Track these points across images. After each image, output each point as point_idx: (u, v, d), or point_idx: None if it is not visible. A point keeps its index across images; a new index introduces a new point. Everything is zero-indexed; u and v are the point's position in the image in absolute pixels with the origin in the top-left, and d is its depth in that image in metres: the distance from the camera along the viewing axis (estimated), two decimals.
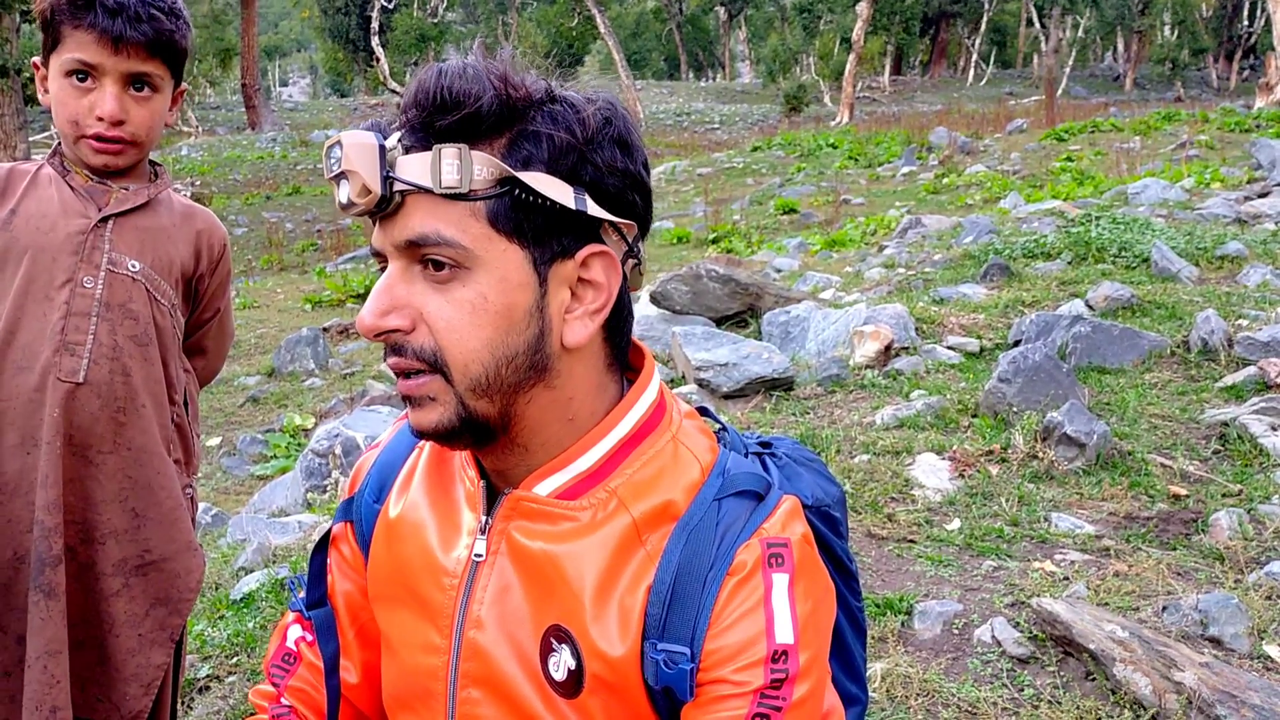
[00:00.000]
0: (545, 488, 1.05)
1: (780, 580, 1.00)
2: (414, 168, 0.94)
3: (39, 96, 1.80)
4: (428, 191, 0.94)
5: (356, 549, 1.23)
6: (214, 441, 7.31)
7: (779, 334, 5.53)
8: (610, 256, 1.00)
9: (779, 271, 9.40)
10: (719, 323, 5.82)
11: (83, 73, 1.73)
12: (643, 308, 5.97)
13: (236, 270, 15.58)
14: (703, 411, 1.21)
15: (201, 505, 5.33)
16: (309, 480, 5.28)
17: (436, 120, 0.94)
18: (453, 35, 48.64)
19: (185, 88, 1.87)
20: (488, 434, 1.03)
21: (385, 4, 48.39)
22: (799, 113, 35.24)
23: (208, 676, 2.92)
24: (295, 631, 1.25)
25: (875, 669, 2.61)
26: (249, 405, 8.18)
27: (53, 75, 1.76)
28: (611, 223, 0.99)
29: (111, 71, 1.72)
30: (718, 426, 1.21)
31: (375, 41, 39.78)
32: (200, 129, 34.91)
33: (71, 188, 1.81)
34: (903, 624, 2.86)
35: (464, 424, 1.01)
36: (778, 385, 4.71)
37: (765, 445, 1.28)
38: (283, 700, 1.24)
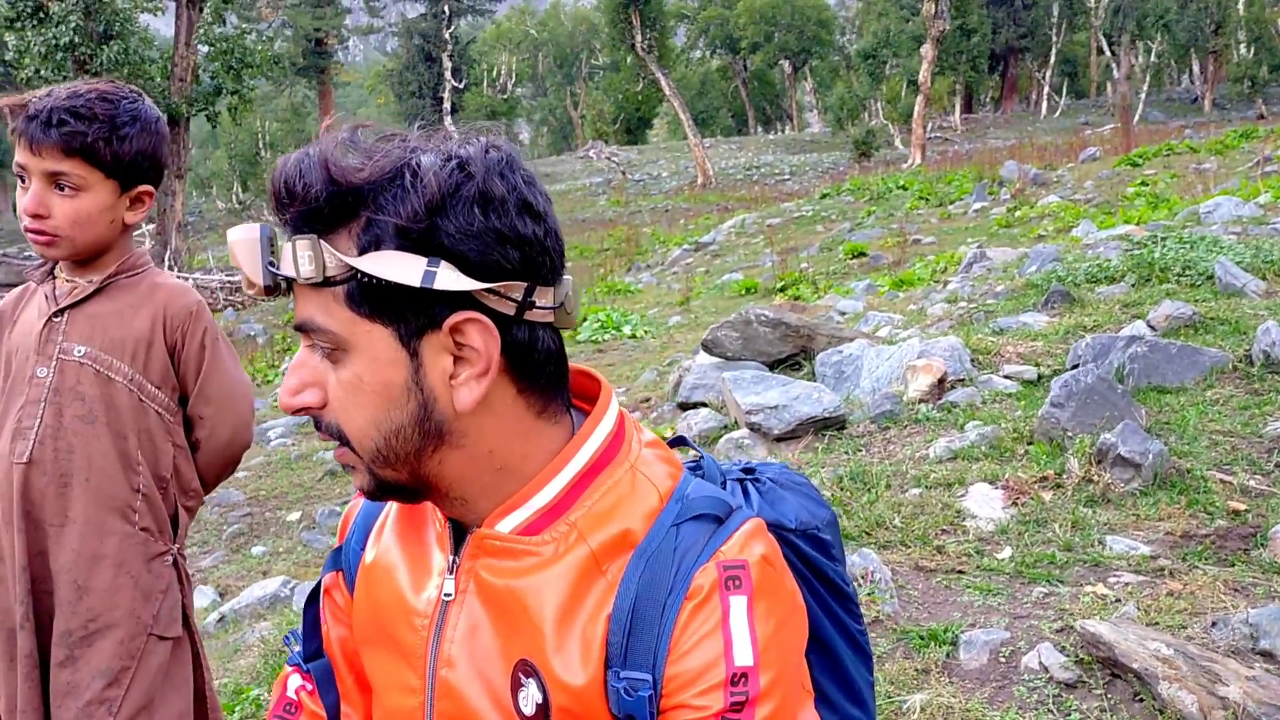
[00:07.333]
0: (507, 524, 1.05)
1: (738, 602, 0.99)
2: (286, 258, 0.98)
3: None
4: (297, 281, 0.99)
5: (347, 595, 1.24)
6: (294, 516, 7.47)
7: (832, 374, 5.50)
8: (480, 321, 0.98)
9: (843, 314, 9.33)
10: (772, 366, 5.82)
11: (22, 175, 1.92)
12: (696, 356, 5.99)
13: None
14: (679, 441, 1.22)
15: (280, 578, 5.44)
16: None
17: (286, 213, 0.98)
18: (523, 109, 49.69)
19: (146, 188, 1.99)
20: (411, 494, 1.06)
21: (456, 85, 49.78)
22: (869, 158, 35.08)
23: None
24: (295, 681, 1.27)
25: (914, 700, 2.57)
26: (327, 479, 8.35)
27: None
28: (477, 289, 0.97)
29: (35, 171, 1.90)
30: (695, 455, 1.23)
31: (448, 121, 40.89)
32: None
33: (45, 294, 2.02)
34: (947, 654, 2.81)
35: (381, 489, 1.05)
36: (829, 425, 4.68)
37: (749, 471, 1.29)
38: None
